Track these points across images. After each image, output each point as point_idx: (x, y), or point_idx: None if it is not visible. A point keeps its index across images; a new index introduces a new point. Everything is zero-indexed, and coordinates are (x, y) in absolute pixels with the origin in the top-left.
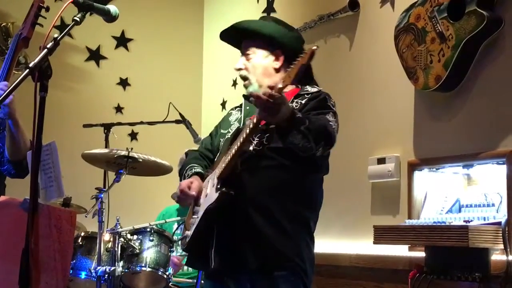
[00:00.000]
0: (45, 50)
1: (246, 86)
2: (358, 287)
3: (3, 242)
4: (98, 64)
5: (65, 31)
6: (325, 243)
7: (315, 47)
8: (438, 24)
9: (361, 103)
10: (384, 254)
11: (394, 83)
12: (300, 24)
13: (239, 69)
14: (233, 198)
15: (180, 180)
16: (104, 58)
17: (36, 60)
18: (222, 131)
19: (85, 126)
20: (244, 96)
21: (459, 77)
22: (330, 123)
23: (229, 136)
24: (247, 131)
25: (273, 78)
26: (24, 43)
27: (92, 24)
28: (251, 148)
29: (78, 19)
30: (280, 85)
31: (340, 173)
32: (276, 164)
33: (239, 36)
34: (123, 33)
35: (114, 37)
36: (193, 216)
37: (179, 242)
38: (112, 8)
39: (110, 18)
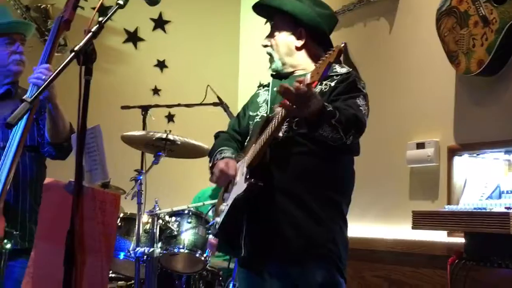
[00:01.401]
0: (90, 33)
1: (270, 63)
2: (394, 272)
3: (48, 224)
4: (135, 46)
5: (109, 14)
6: (362, 228)
7: (342, 44)
8: (481, 8)
9: (401, 87)
10: (422, 240)
11: (434, 67)
12: (339, 7)
13: (265, 46)
14: (261, 188)
15: (210, 162)
16: (141, 40)
17: (81, 44)
18: (250, 113)
19: (123, 108)
20: (272, 75)
21: (502, 62)
22: (360, 108)
23: (258, 119)
24: (275, 123)
25: (294, 56)
26: (66, 26)
27: (130, 6)
28: (280, 134)
29: (122, 3)
30: (308, 81)
31: (378, 157)
32: (306, 150)
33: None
34: (160, 15)
35: (152, 19)
36: (223, 204)
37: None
38: None
39: (153, 1)
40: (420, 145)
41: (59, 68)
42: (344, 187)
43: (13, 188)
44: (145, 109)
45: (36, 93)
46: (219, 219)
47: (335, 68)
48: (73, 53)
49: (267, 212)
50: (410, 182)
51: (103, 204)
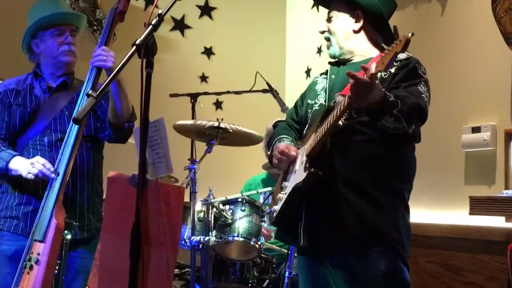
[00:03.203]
0: (150, 26)
1: (328, 48)
2: (450, 258)
3: (113, 216)
4: (182, 33)
5: (168, 7)
6: (416, 213)
7: (410, 35)
8: None
9: (454, 70)
10: (479, 225)
11: (490, 49)
12: None
13: (322, 32)
14: (321, 178)
15: (268, 151)
16: (188, 27)
17: (142, 37)
18: (309, 101)
19: (171, 95)
20: (329, 62)
21: None
22: (422, 95)
23: (317, 107)
24: (337, 112)
25: (352, 40)
26: (120, 17)
27: None
28: (340, 122)
29: None
30: (372, 71)
31: (432, 142)
32: (366, 138)
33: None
34: (206, 2)
35: (198, 6)
36: (281, 192)
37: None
38: None
39: None
40: (476, 129)
41: (121, 63)
42: (406, 175)
43: (71, 179)
44: (194, 96)
45: (101, 88)
46: (277, 207)
47: None
48: (134, 47)
49: (327, 201)
50: (466, 167)
51: (167, 197)
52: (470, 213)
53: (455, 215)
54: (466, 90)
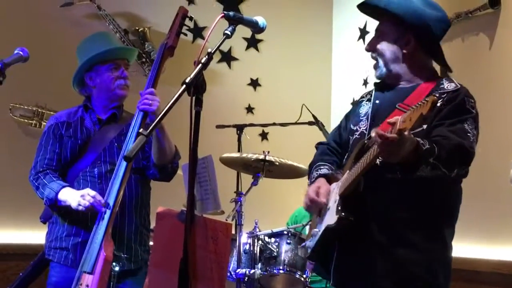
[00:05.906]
0: (200, 65)
1: (374, 69)
2: None
3: (161, 251)
4: (229, 65)
5: (217, 45)
6: (464, 248)
7: (435, 98)
8: None
9: (503, 103)
10: None
11: None
12: None
13: (369, 50)
14: (352, 223)
15: (308, 179)
16: (235, 59)
17: (191, 75)
18: (351, 126)
19: (218, 127)
20: (375, 84)
21: None
22: (468, 134)
23: (357, 135)
24: (370, 157)
25: (400, 64)
26: (170, 52)
27: (224, 26)
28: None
29: (229, 33)
30: (400, 126)
31: (481, 175)
32: (402, 177)
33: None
34: (253, 34)
35: (245, 39)
36: (315, 229)
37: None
38: (260, 20)
39: (258, 29)
40: None
41: (171, 101)
42: (447, 210)
43: (120, 210)
44: (240, 128)
45: (151, 127)
46: (310, 244)
47: (443, 84)
48: (184, 86)
49: (360, 244)
50: None
51: (215, 233)
52: None
53: (505, 250)
54: None
